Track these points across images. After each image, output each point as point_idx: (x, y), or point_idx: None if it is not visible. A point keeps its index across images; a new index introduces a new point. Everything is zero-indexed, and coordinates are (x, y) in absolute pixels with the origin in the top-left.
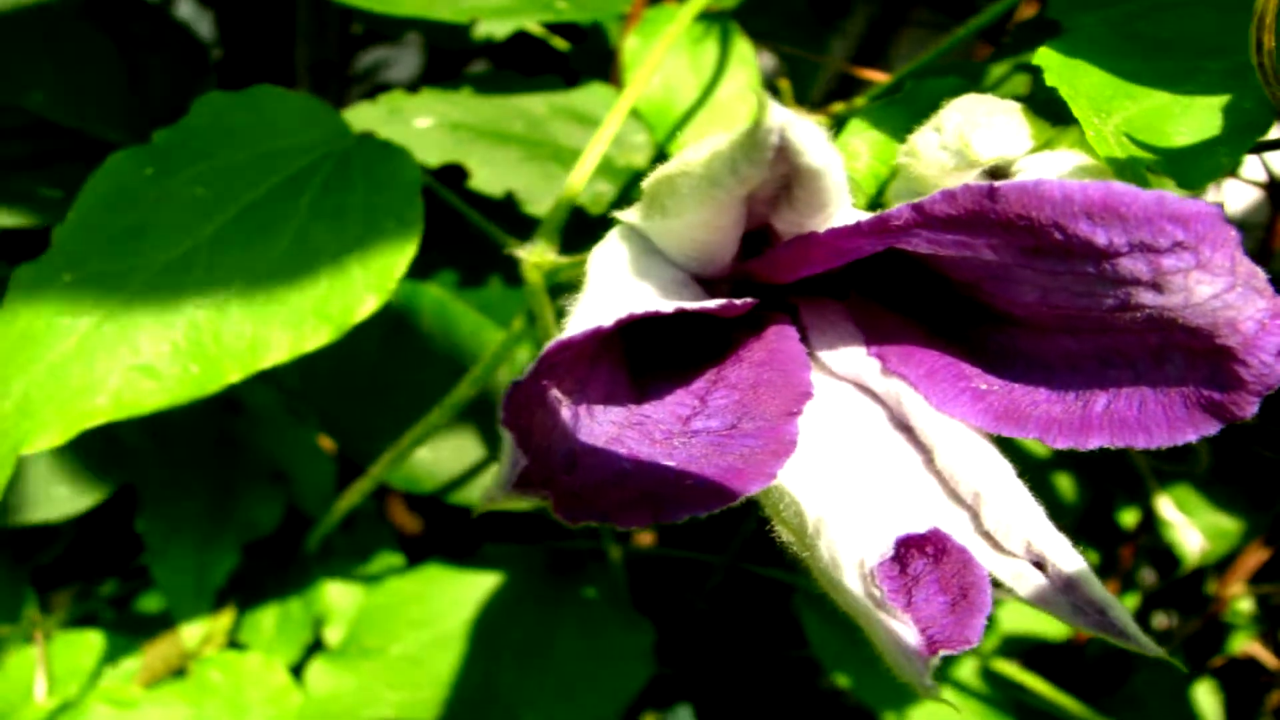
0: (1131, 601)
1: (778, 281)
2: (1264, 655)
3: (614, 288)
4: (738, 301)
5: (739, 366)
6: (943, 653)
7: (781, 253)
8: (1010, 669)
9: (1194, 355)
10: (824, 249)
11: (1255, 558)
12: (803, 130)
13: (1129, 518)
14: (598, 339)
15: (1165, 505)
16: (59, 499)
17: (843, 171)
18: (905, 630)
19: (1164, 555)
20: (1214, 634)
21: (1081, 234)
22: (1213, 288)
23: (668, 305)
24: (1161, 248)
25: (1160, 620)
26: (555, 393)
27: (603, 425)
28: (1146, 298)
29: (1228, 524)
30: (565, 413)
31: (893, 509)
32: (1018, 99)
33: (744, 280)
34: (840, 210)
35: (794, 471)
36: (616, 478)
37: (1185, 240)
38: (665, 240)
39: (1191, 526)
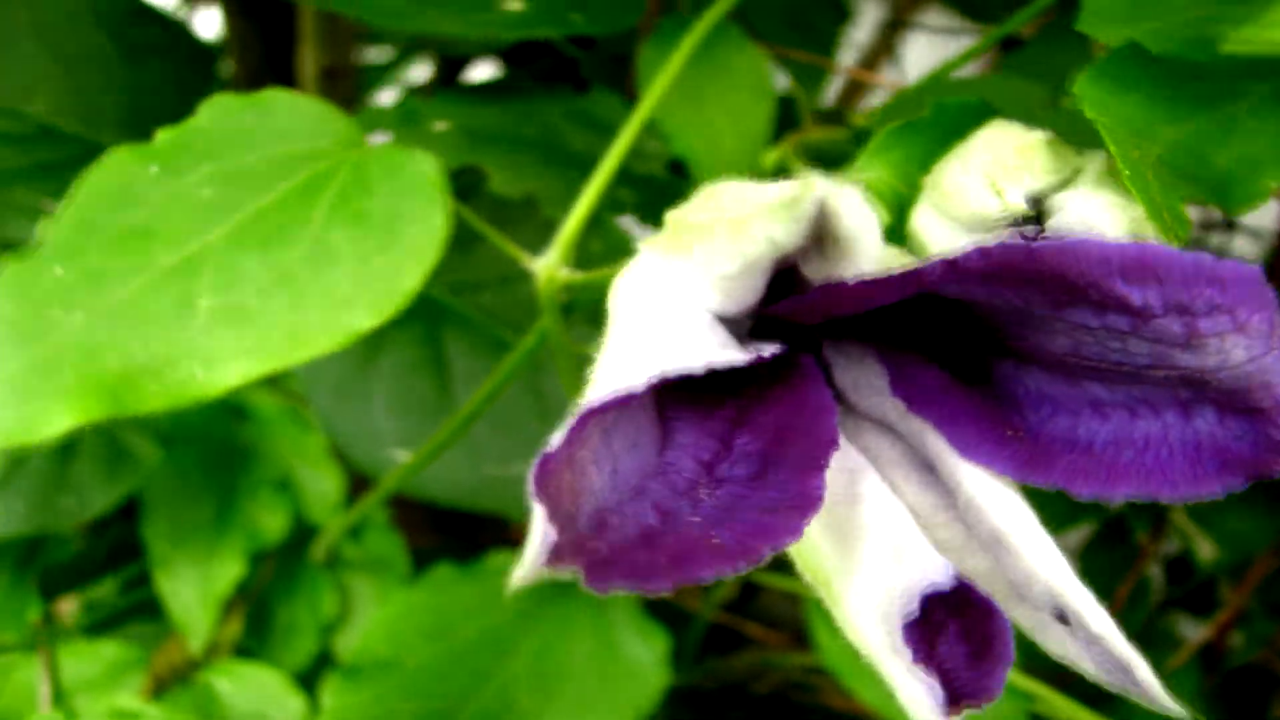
0: (1144, 609)
1: (803, 323)
2: (1276, 661)
3: (641, 336)
4: (765, 353)
5: (763, 408)
6: (966, 708)
7: (809, 299)
8: (1020, 678)
9: (1225, 412)
10: (852, 297)
11: (1268, 564)
12: (842, 199)
13: (1142, 522)
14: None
15: (1178, 513)
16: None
17: (878, 230)
18: (927, 684)
19: (1177, 561)
20: (1226, 639)
21: (1117, 293)
22: (1249, 352)
23: (698, 362)
24: (1198, 310)
25: (1172, 624)
26: (583, 452)
27: (627, 476)
28: (1181, 357)
29: (1241, 531)
30: (591, 470)
31: (916, 556)
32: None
33: (768, 318)
34: (871, 260)
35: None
36: (644, 535)
37: (1222, 303)
38: (691, 282)
39: (1203, 535)
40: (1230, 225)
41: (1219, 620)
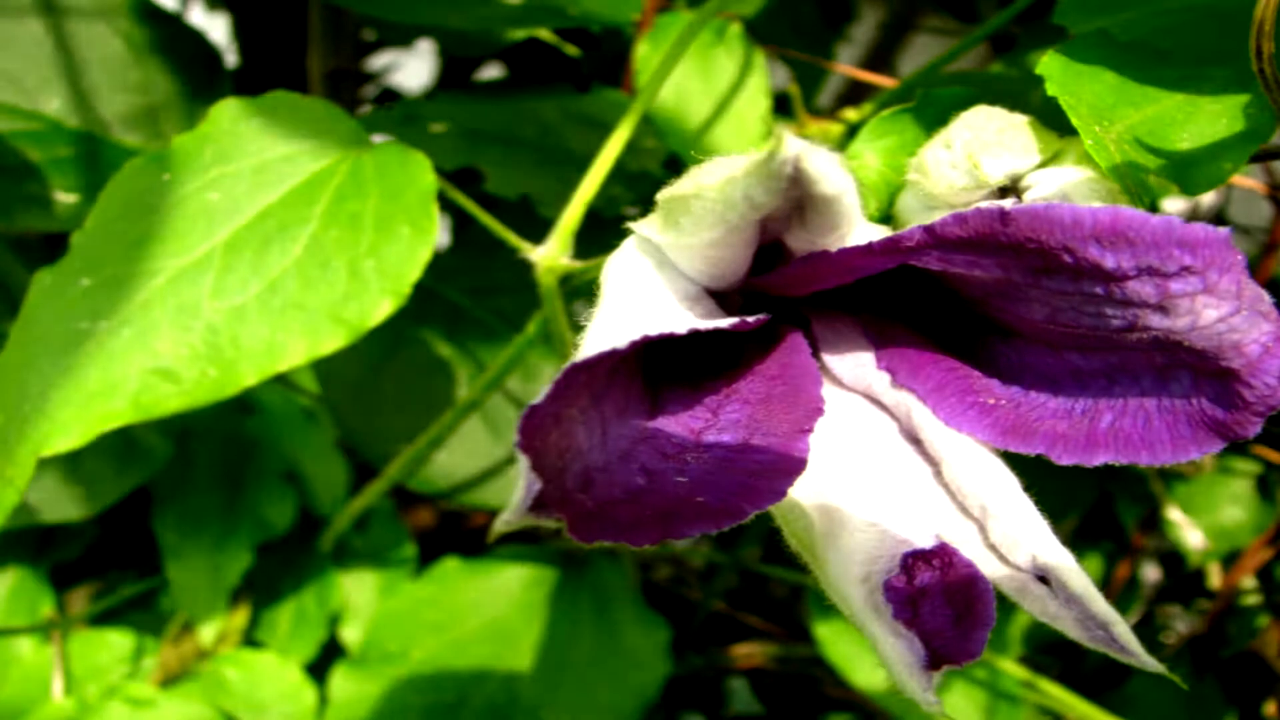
0: (1136, 601)
1: (790, 295)
2: (1267, 651)
3: (629, 304)
4: (750, 319)
5: (751, 379)
6: (946, 667)
7: (794, 270)
8: (1017, 668)
9: (1199, 375)
10: (836, 267)
11: (1260, 554)
12: (817, 159)
13: (1133, 515)
14: (613, 359)
15: (1169, 503)
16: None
17: (855, 195)
18: (910, 645)
19: (1169, 552)
20: (1218, 630)
21: (1090, 258)
22: (1218, 311)
23: (681, 325)
24: (1169, 272)
25: (1165, 616)
26: (571, 411)
27: (616, 441)
28: (1154, 319)
29: (1231, 521)
30: (580, 431)
31: (900, 522)
32: (1028, 103)
33: (756, 292)
34: (853, 229)
35: (803, 483)
36: (630, 495)
37: (1192, 265)
38: (679, 255)
39: (1194, 525)
40: (1222, 222)
41: (1210, 612)
